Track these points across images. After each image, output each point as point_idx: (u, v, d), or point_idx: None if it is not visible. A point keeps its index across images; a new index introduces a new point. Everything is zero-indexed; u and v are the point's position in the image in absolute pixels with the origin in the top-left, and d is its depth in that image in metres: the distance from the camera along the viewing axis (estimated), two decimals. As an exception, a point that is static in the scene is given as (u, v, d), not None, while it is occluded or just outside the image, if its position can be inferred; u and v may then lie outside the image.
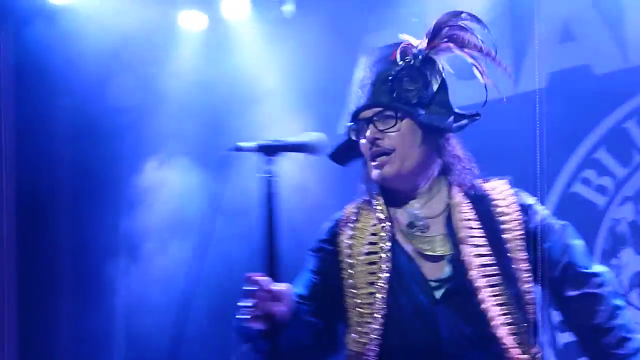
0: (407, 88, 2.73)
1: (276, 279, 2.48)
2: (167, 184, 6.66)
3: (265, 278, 2.48)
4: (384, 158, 2.74)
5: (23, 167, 6.71)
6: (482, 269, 2.69)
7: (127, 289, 6.91)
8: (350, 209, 2.89)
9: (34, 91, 6.68)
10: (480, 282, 2.67)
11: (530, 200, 2.84)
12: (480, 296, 2.67)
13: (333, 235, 2.85)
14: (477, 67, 2.82)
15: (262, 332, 2.50)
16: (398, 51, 2.79)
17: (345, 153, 2.86)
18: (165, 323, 6.55)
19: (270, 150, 2.58)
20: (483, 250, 2.72)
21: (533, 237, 2.76)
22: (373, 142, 2.74)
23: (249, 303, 2.46)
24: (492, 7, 5.59)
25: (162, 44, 6.80)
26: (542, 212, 2.83)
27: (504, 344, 2.65)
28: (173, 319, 6.53)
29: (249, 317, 2.48)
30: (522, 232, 2.76)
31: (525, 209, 2.80)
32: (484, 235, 2.75)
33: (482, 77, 2.82)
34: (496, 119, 5.67)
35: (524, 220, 2.78)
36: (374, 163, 2.77)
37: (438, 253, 2.74)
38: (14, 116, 6.70)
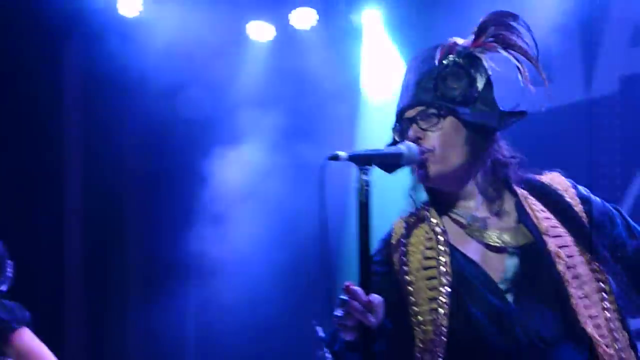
0: (451, 86, 2.66)
1: (368, 289, 2.44)
2: (240, 190, 6.69)
3: (359, 288, 2.40)
4: (426, 156, 2.64)
5: (90, 173, 6.80)
6: (568, 260, 2.60)
7: (197, 289, 6.97)
8: (398, 224, 2.77)
9: (103, 101, 6.77)
10: (568, 275, 2.58)
11: (585, 190, 2.79)
12: (569, 290, 2.58)
13: (385, 256, 2.73)
14: (520, 71, 2.75)
15: (351, 343, 2.45)
16: (442, 50, 2.73)
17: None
18: (237, 321, 6.62)
19: (362, 160, 2.52)
20: (566, 241, 2.64)
21: (597, 225, 2.68)
22: (415, 141, 2.64)
23: (341, 312, 2.41)
24: (561, 11, 5.55)
25: (231, 54, 6.84)
26: (598, 200, 2.77)
27: (593, 339, 2.56)
28: (246, 316, 6.63)
29: (340, 326, 2.44)
30: (587, 222, 2.70)
31: (584, 199, 2.72)
32: (561, 225, 2.67)
33: (525, 81, 2.74)
34: (566, 124, 5.67)
35: (586, 210, 2.71)
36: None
37: (510, 244, 2.64)
38: (82, 125, 6.79)
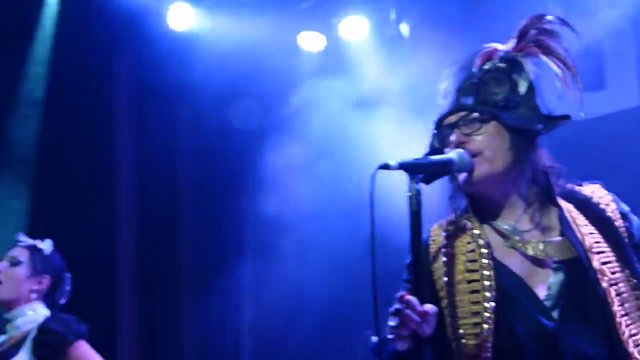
0: (493, 91, 2.63)
1: (423, 299, 2.39)
2: (292, 194, 6.70)
3: (414, 298, 2.37)
4: (475, 160, 2.59)
5: (143, 182, 6.85)
6: (612, 277, 2.53)
7: (252, 294, 6.98)
8: (436, 231, 2.72)
9: (154, 113, 6.82)
10: (612, 293, 2.52)
11: (624, 206, 2.73)
12: (613, 308, 2.50)
13: (423, 262, 2.64)
14: (560, 77, 2.70)
15: (401, 353, 2.40)
16: (483, 55, 2.69)
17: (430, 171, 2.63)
18: (292, 317, 6.61)
19: (413, 168, 2.50)
20: (609, 257, 2.57)
21: (636, 244, 2.62)
22: (459, 146, 2.60)
23: (396, 322, 2.36)
24: (616, 15, 5.49)
25: (281, 65, 6.86)
26: (635, 218, 2.72)
27: (634, 358, 2.49)
28: (302, 312, 6.62)
29: (394, 336, 2.37)
30: (627, 238, 2.65)
31: (624, 215, 2.66)
32: (603, 240, 2.60)
33: (565, 87, 2.69)
34: (620, 131, 5.60)
35: (626, 227, 2.64)
36: None
37: (554, 258, 2.57)
38: (134, 136, 6.84)
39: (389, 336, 2.40)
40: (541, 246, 2.59)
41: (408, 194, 2.46)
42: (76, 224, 6.25)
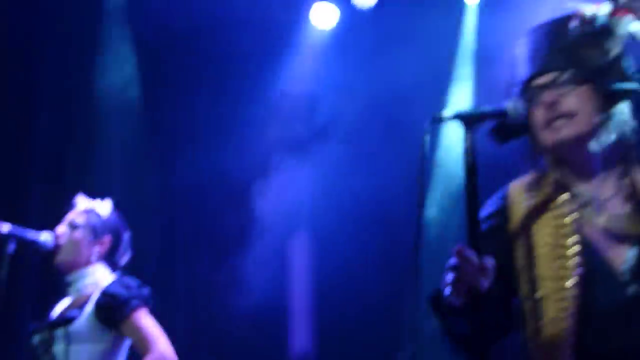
0: (586, 54, 2.61)
1: (480, 253, 2.35)
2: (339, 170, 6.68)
3: (472, 252, 2.34)
4: (562, 121, 2.57)
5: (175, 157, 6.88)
6: None
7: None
8: (517, 190, 2.70)
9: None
10: None
11: None
12: None
13: (505, 217, 2.68)
14: None
15: (460, 308, 2.38)
16: (577, 18, 2.66)
17: (505, 130, 2.62)
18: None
19: (469, 119, 2.47)
20: None
21: None
22: (551, 106, 2.58)
23: (452, 277, 2.33)
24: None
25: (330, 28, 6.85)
26: None
27: None
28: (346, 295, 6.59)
29: (451, 290, 2.35)
30: None
31: None
32: None
33: None
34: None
35: None
36: (550, 127, 2.61)
37: (630, 231, 2.55)
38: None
39: (446, 290, 2.38)
40: (617, 218, 2.58)
41: (463, 146, 2.44)
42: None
